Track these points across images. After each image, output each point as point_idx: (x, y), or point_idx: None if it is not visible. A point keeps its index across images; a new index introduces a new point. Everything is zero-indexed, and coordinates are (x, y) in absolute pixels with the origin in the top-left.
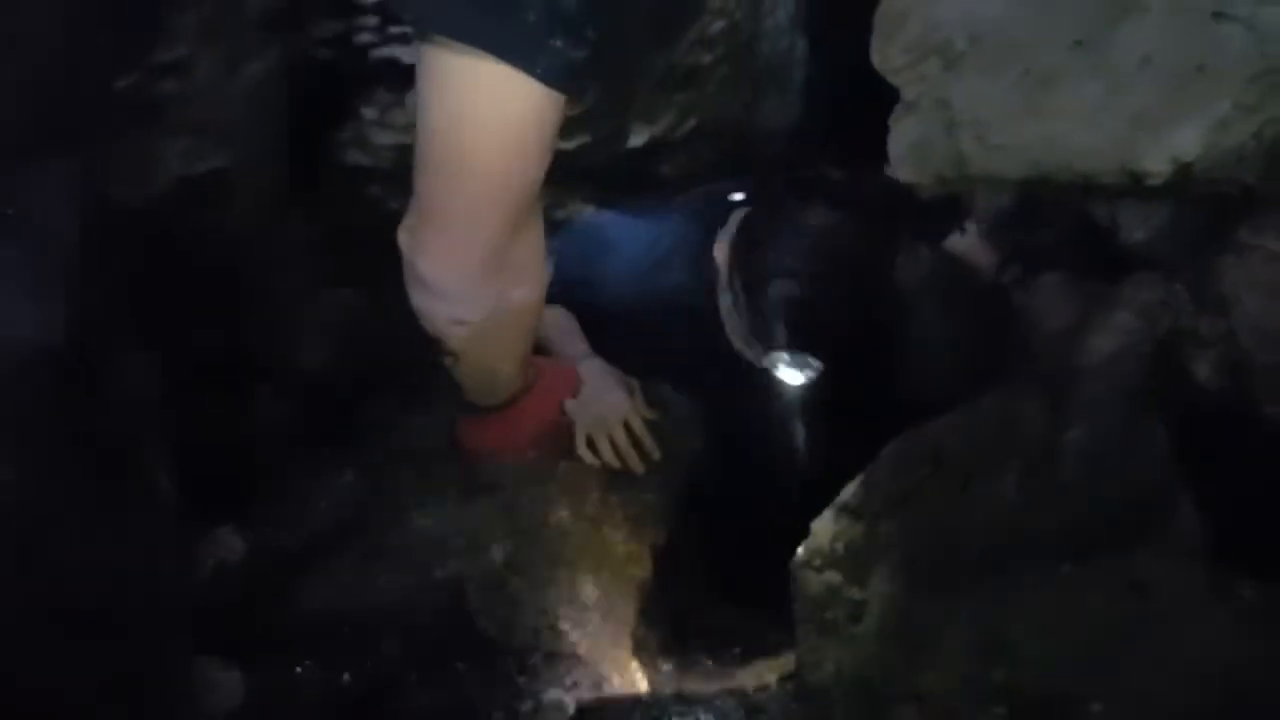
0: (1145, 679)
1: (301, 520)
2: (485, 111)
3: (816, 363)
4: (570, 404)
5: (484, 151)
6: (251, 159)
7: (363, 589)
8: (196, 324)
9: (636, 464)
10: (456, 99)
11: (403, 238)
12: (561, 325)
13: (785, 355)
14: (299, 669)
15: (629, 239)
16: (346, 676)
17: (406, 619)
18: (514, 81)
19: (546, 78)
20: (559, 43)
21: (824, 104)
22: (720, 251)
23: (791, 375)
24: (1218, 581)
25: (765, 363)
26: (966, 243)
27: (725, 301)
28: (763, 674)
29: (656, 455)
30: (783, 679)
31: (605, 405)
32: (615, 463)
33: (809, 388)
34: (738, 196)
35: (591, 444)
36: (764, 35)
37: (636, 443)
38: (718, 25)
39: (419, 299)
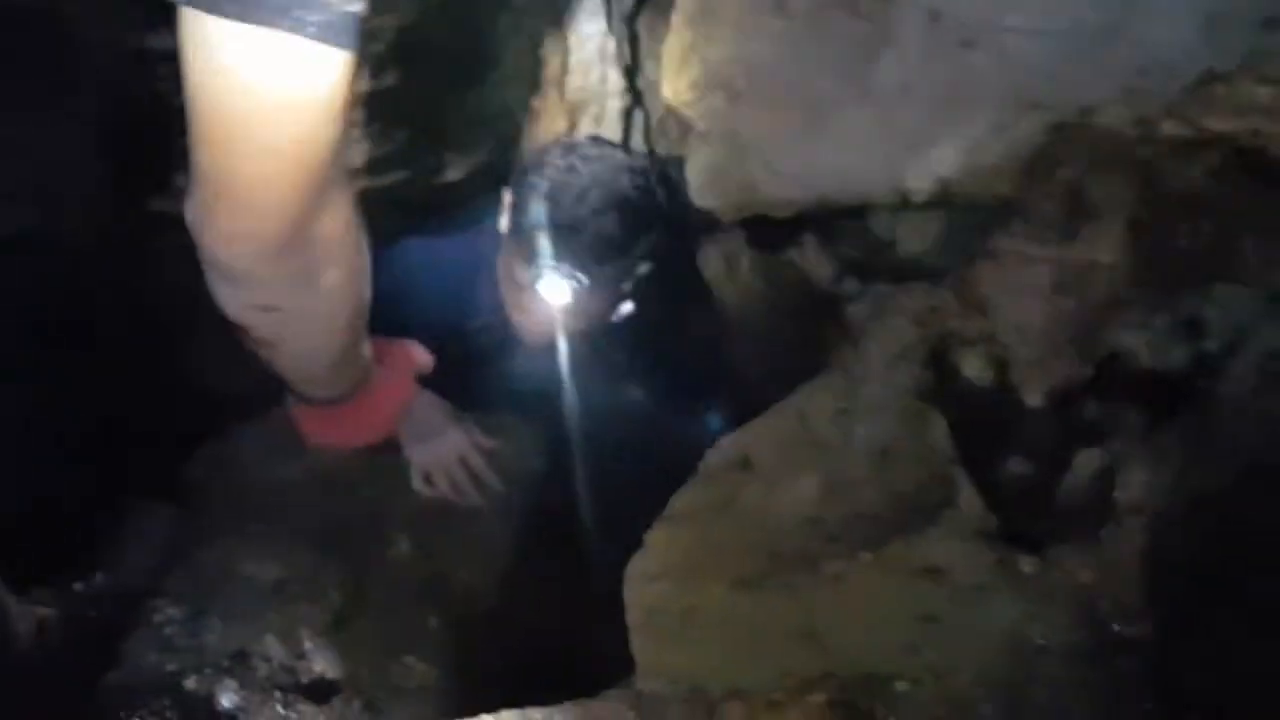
0: (944, 654)
1: (123, 575)
2: (256, 77)
3: (581, 277)
4: (403, 440)
5: (258, 121)
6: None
7: (194, 642)
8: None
9: (476, 500)
10: (221, 65)
11: (188, 217)
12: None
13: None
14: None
15: (440, 265)
16: None
17: (242, 669)
18: (284, 43)
19: (319, 35)
20: None
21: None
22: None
23: (556, 291)
24: (1002, 559)
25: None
26: (805, 255)
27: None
28: (602, 686)
29: (498, 488)
30: (620, 689)
31: (440, 441)
32: (455, 499)
33: (638, 405)
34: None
35: (430, 480)
36: (573, 68)
37: (475, 478)
38: (526, 60)
39: (214, 283)
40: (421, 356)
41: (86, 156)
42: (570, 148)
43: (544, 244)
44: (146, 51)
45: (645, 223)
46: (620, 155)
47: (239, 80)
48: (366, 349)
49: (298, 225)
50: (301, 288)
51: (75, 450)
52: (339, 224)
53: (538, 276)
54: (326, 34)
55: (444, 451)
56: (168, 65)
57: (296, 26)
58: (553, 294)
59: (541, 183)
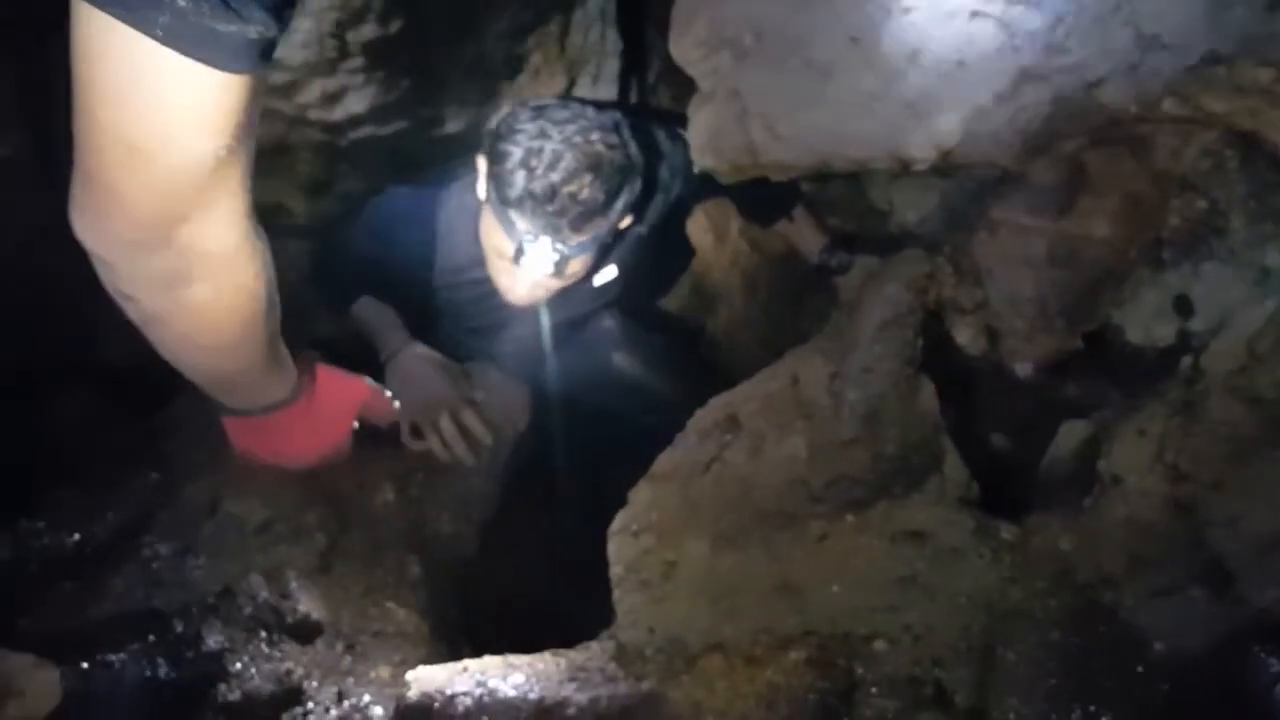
0: (922, 614)
1: (110, 513)
2: (118, 71)
3: (560, 245)
4: (392, 391)
5: (124, 118)
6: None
7: (180, 580)
8: None
9: (464, 454)
10: (88, 54)
11: (71, 187)
12: (378, 319)
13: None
14: (117, 664)
15: (426, 214)
16: (167, 668)
17: (227, 607)
18: (138, 42)
19: (168, 40)
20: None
21: (635, 92)
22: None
23: (536, 260)
24: (983, 525)
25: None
26: (795, 227)
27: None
28: (581, 638)
29: (488, 441)
30: (602, 640)
31: (429, 394)
32: (442, 452)
33: (626, 370)
34: None
35: (417, 433)
36: (574, 26)
37: (465, 431)
38: (527, 15)
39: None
40: (369, 396)
41: None
42: (539, 110)
43: (520, 213)
44: None
45: (620, 182)
46: (590, 113)
47: (103, 71)
48: (278, 372)
49: (158, 229)
50: (161, 292)
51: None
52: (216, 241)
53: (517, 247)
54: (180, 43)
55: (432, 404)
56: None
57: (145, 25)
58: (533, 263)
59: (513, 150)
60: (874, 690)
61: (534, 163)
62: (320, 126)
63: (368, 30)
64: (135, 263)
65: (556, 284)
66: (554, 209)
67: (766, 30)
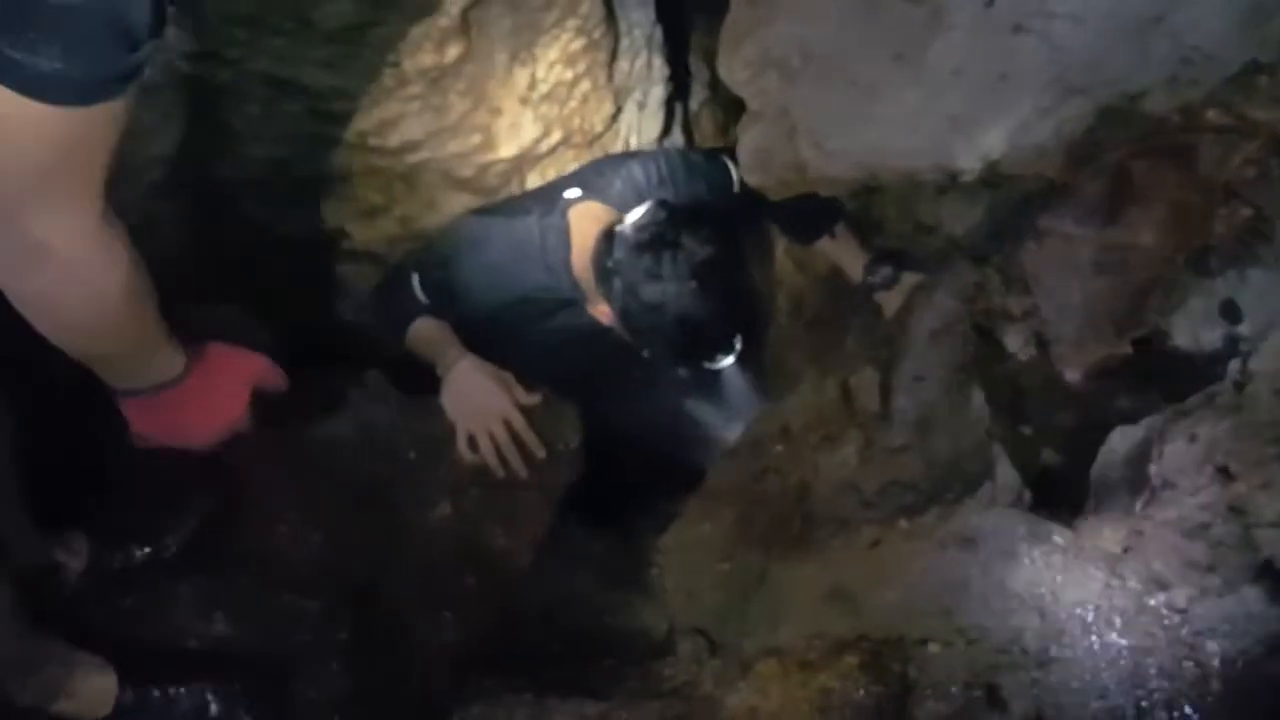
0: (975, 617)
1: (178, 528)
2: None
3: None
4: (448, 404)
5: None
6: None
7: (233, 598)
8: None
9: (519, 464)
10: None
11: None
12: (433, 335)
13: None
14: (174, 694)
15: (491, 241)
16: (221, 705)
17: (284, 622)
18: None
19: None
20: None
21: (680, 116)
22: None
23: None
24: (1034, 530)
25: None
26: (837, 245)
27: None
28: (638, 649)
29: (541, 453)
30: (658, 650)
31: (483, 403)
32: (496, 464)
33: (674, 380)
34: (574, 193)
35: (473, 443)
36: (621, 53)
37: (519, 441)
38: (578, 43)
39: None
40: (263, 369)
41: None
42: (640, 249)
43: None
44: None
45: (729, 301)
46: (684, 236)
47: None
48: (162, 352)
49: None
50: (6, 275)
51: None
52: (57, 235)
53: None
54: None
55: (486, 414)
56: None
57: None
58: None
59: (634, 306)
60: (928, 694)
61: (658, 319)
62: (378, 152)
63: (425, 58)
64: None
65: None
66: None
67: (813, 51)
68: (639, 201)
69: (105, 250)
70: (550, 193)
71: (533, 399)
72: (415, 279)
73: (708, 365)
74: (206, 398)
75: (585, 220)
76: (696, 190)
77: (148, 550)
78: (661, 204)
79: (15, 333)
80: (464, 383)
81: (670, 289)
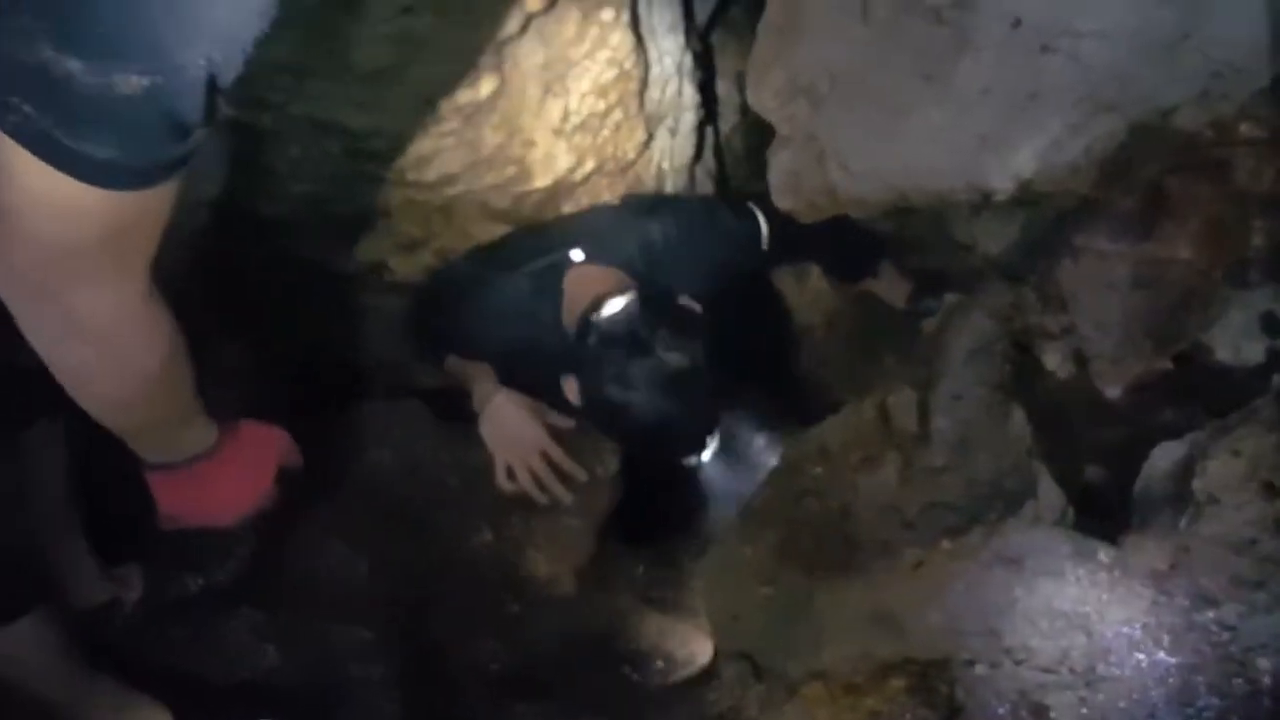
0: (1022, 637)
1: (230, 561)
2: (4, 158)
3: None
4: (486, 436)
5: (5, 178)
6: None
7: (285, 624)
8: None
9: (560, 492)
10: None
11: None
12: (470, 369)
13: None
14: (226, 705)
15: (482, 296)
16: (280, 715)
17: (333, 649)
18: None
19: (16, 138)
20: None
21: (712, 140)
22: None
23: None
24: (1079, 548)
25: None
26: (882, 284)
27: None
28: (682, 674)
29: (581, 477)
30: (702, 675)
31: (520, 435)
32: (537, 493)
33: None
34: (578, 255)
35: (512, 474)
36: (652, 82)
37: (557, 469)
38: (609, 74)
39: None
40: (289, 445)
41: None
42: (609, 345)
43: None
44: None
45: (698, 409)
46: (659, 333)
47: None
48: (194, 425)
49: (41, 285)
50: (46, 341)
51: None
52: (102, 312)
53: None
54: (27, 144)
55: (524, 445)
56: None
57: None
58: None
59: (603, 409)
60: (976, 716)
61: (620, 420)
62: (416, 187)
63: (460, 95)
64: (20, 307)
65: None
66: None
67: (840, 75)
68: (645, 267)
69: (146, 327)
70: (555, 246)
71: (568, 423)
72: (435, 317)
73: (678, 462)
74: (237, 471)
75: (582, 284)
76: (721, 252)
77: (201, 582)
78: (645, 300)
79: None
80: (499, 416)
81: (635, 397)
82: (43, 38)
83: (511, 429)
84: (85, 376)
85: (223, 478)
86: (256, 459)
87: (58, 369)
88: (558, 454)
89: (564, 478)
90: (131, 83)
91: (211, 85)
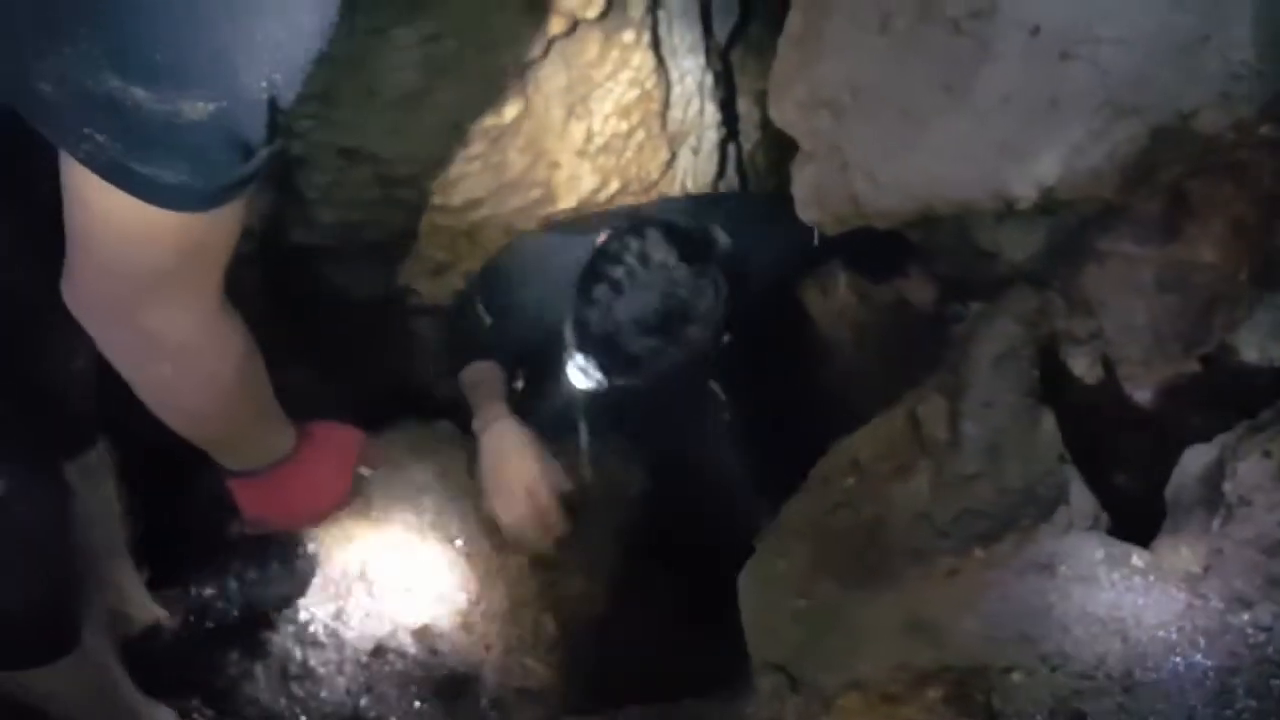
0: (1057, 643)
1: (271, 581)
2: (66, 165)
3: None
4: (483, 467)
5: (75, 207)
6: None
7: (332, 638)
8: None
9: (538, 539)
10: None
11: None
12: (481, 383)
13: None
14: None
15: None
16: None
17: (379, 662)
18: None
19: (89, 165)
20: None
21: (734, 157)
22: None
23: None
24: (1112, 553)
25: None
26: (911, 284)
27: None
28: (718, 687)
29: (559, 531)
30: (738, 688)
31: (511, 474)
32: (523, 537)
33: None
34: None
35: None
36: (674, 101)
37: (540, 513)
38: (632, 95)
39: None
40: (365, 445)
41: None
42: (618, 251)
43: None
44: None
45: (707, 311)
46: (667, 243)
47: (63, 163)
48: (274, 431)
49: (116, 309)
50: (126, 364)
51: None
52: (177, 330)
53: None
54: (100, 170)
55: (513, 480)
56: None
57: (69, 148)
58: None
59: (593, 311)
60: None
61: (616, 312)
62: (442, 211)
63: (485, 120)
64: (100, 332)
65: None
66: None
67: (861, 88)
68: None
69: (222, 341)
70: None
71: (567, 485)
72: (478, 302)
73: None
74: (316, 475)
75: None
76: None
77: (243, 608)
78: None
79: (123, 397)
80: (496, 448)
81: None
82: (108, 68)
83: (505, 466)
84: (167, 394)
85: (303, 480)
86: (336, 459)
87: (140, 388)
88: (545, 498)
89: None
90: (198, 109)
91: (274, 106)
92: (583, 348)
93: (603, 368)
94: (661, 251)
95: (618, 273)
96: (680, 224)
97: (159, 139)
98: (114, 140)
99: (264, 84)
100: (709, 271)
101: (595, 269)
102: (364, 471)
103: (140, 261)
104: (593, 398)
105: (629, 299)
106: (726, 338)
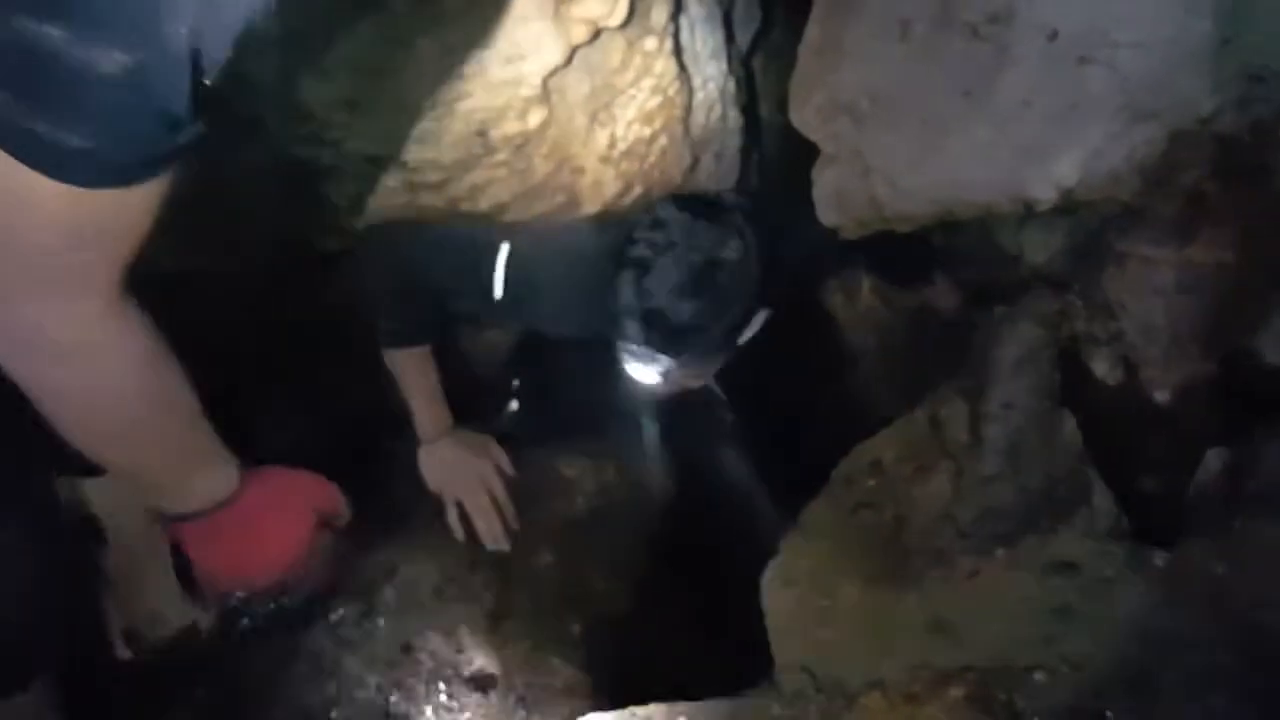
0: (1079, 645)
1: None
2: None
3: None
4: (428, 474)
5: None
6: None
7: (365, 636)
8: None
9: (496, 534)
10: None
11: None
12: (416, 386)
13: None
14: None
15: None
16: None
17: (408, 660)
18: None
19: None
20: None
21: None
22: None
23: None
24: (1133, 554)
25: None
26: (935, 290)
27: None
28: (741, 687)
29: (515, 526)
30: (761, 685)
31: (458, 474)
32: (486, 528)
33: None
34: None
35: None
36: (697, 107)
37: (494, 505)
38: (655, 101)
39: None
40: (327, 491)
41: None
42: (655, 224)
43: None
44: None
45: (740, 292)
46: (702, 225)
47: None
48: (212, 467)
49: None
50: (17, 361)
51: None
52: (71, 327)
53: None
54: (11, 140)
55: (468, 480)
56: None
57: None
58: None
59: (629, 298)
60: None
61: (651, 285)
62: (468, 218)
63: (510, 127)
64: None
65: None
66: (671, 333)
67: (881, 93)
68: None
69: (119, 342)
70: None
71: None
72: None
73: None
74: (267, 520)
75: None
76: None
77: (272, 607)
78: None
79: None
80: (440, 458)
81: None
82: (22, 7)
83: (452, 469)
84: (63, 404)
85: (252, 525)
86: (286, 505)
87: (34, 394)
88: (500, 493)
89: (504, 522)
90: (114, 60)
91: (197, 68)
92: (633, 338)
93: (660, 348)
94: (678, 219)
95: (641, 252)
96: (691, 195)
97: (68, 95)
98: (18, 98)
99: (185, 34)
100: (731, 221)
101: (619, 257)
102: (335, 521)
103: (22, 240)
104: (607, 404)
105: (659, 273)
106: (764, 313)
